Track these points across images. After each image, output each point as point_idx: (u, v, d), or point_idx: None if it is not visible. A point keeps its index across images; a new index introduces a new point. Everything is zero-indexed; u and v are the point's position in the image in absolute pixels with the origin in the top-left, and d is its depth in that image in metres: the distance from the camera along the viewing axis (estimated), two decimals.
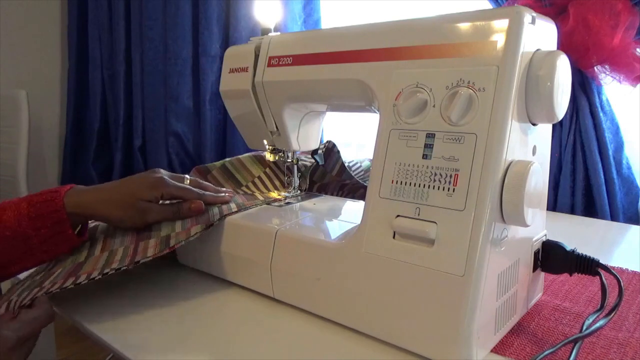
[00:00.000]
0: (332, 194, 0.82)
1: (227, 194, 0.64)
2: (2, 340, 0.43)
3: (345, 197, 0.80)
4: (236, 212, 0.60)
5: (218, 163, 0.85)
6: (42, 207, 0.52)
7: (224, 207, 0.61)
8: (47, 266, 0.57)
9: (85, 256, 0.55)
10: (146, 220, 0.57)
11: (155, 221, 0.57)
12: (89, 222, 0.60)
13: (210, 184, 0.66)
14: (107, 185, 0.58)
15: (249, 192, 0.77)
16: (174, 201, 0.59)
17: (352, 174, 0.80)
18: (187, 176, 0.63)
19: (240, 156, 0.83)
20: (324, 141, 0.80)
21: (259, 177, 0.81)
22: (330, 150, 0.80)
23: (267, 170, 0.81)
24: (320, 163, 0.81)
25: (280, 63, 0.58)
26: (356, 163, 0.88)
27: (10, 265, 0.53)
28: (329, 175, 0.81)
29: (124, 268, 0.52)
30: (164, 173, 0.59)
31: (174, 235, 0.56)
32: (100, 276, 0.50)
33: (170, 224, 0.58)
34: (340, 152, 0.80)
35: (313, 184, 0.82)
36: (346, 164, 0.83)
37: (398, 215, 0.43)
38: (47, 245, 0.53)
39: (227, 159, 0.84)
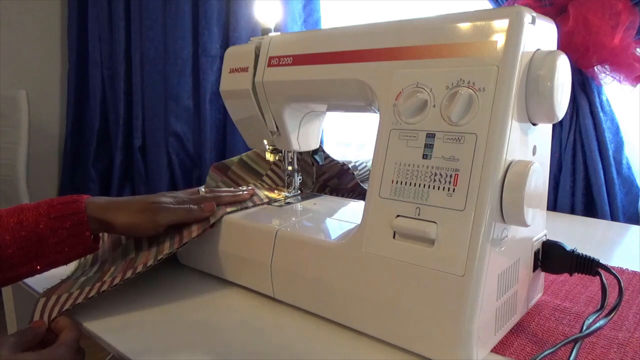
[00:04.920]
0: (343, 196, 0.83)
1: (246, 192, 0.66)
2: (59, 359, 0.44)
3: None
4: (236, 211, 0.61)
5: (235, 158, 0.85)
6: (63, 208, 0.53)
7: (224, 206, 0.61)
8: (96, 268, 0.59)
9: (135, 252, 0.59)
10: (157, 222, 0.57)
11: (166, 222, 0.58)
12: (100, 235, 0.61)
13: (226, 189, 0.68)
14: (121, 197, 0.60)
15: (269, 181, 0.78)
16: (186, 205, 0.60)
17: (357, 175, 0.81)
18: (201, 189, 0.65)
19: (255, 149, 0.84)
20: (341, 161, 0.82)
21: (275, 163, 0.82)
22: (344, 172, 0.82)
23: (279, 156, 0.83)
24: (320, 163, 0.81)
25: (280, 63, 0.58)
26: (362, 163, 0.88)
27: (20, 265, 0.53)
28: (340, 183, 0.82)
29: (174, 251, 0.55)
30: (168, 195, 0.61)
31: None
32: (154, 263, 0.54)
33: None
34: (355, 174, 0.81)
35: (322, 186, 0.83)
36: (352, 164, 0.84)
37: (398, 215, 0.43)
38: (62, 247, 0.53)
39: (244, 154, 0.84)
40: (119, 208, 0.57)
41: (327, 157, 0.82)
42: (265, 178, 0.81)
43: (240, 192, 0.65)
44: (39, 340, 0.48)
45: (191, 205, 0.59)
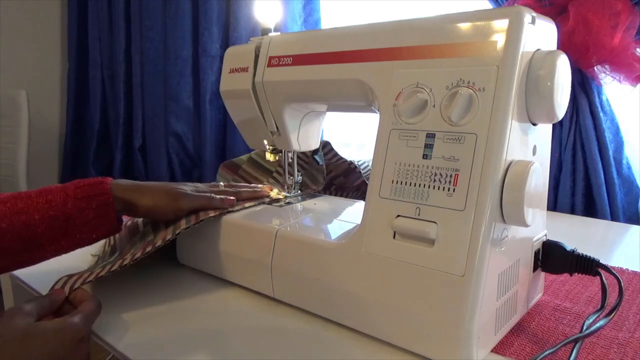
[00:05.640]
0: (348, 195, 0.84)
1: (264, 188, 0.68)
2: (75, 329, 0.43)
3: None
4: (235, 211, 0.61)
5: (244, 157, 0.86)
6: (89, 189, 0.55)
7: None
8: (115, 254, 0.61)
9: (153, 234, 0.60)
10: (179, 206, 0.58)
11: (188, 208, 0.59)
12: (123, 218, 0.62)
13: (245, 184, 0.70)
14: (145, 182, 0.61)
15: (279, 177, 0.81)
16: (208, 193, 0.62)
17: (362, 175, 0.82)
18: (221, 183, 0.67)
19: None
20: (349, 160, 0.83)
21: (280, 166, 0.84)
22: (352, 170, 0.83)
23: (279, 156, 0.84)
24: (320, 163, 0.81)
25: (280, 63, 0.58)
26: (364, 162, 0.88)
27: (48, 244, 0.54)
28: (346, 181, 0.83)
29: (190, 226, 0.56)
30: (190, 186, 0.63)
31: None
32: (173, 237, 0.55)
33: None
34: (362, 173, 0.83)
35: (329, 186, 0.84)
36: (355, 163, 0.84)
37: (398, 215, 0.43)
38: (88, 227, 0.55)
39: (253, 152, 0.86)
40: (142, 190, 0.58)
41: (335, 155, 0.83)
42: (275, 175, 0.83)
43: (259, 189, 0.68)
44: (55, 308, 0.48)
45: (212, 194, 0.61)
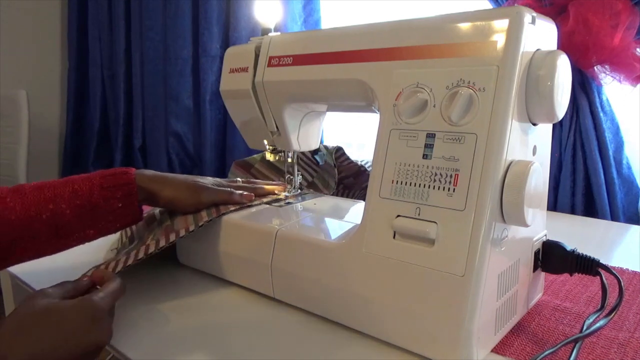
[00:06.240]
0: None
1: (278, 186, 0.70)
2: (95, 307, 0.43)
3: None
4: (235, 210, 0.61)
5: (257, 156, 0.87)
6: (114, 179, 0.56)
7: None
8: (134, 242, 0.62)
9: (170, 220, 0.61)
10: (200, 200, 0.60)
11: (208, 201, 0.60)
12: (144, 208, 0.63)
13: (261, 180, 0.72)
14: (167, 173, 0.63)
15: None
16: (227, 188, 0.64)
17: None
18: (239, 179, 0.69)
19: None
20: (360, 164, 0.86)
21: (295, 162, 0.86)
22: (362, 172, 0.85)
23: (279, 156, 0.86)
24: (320, 163, 0.81)
25: (281, 63, 0.58)
26: (367, 162, 0.89)
27: (74, 233, 0.55)
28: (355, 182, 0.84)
29: (214, 218, 0.58)
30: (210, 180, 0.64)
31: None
32: (196, 229, 0.56)
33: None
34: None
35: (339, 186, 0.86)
36: (360, 163, 0.85)
37: (398, 215, 0.43)
38: (113, 216, 0.56)
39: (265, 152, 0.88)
40: (165, 181, 0.60)
41: (347, 159, 0.85)
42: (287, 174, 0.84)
43: (275, 184, 0.70)
44: (80, 293, 0.47)
45: (232, 189, 0.63)
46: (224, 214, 0.58)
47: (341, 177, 0.85)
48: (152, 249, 0.54)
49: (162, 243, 0.55)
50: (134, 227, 0.66)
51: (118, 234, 0.69)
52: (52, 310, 0.41)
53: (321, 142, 0.73)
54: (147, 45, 1.67)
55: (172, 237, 0.55)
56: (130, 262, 0.53)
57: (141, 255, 0.54)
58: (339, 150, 0.86)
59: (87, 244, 0.58)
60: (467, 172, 0.40)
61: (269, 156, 0.69)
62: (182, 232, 0.56)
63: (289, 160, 0.69)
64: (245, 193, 0.63)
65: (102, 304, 0.43)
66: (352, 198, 0.85)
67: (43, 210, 0.52)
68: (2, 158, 1.67)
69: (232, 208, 0.60)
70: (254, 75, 0.61)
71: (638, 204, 0.92)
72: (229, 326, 0.50)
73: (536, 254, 0.49)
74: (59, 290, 0.46)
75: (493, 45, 0.41)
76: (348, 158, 0.85)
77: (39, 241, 0.53)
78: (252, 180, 0.71)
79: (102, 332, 0.43)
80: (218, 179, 0.66)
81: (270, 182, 0.71)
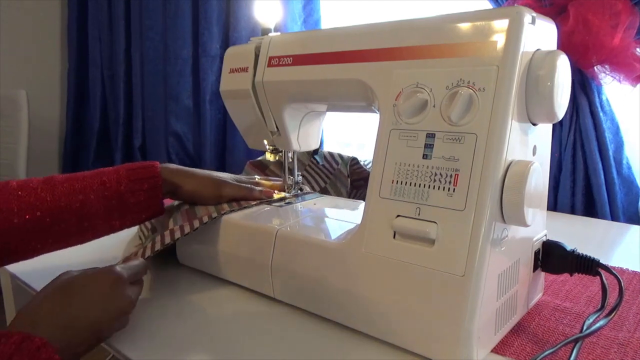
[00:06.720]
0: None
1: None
2: (114, 274, 0.46)
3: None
4: (235, 210, 0.61)
5: (271, 157, 0.88)
6: (140, 172, 0.58)
7: (225, 206, 0.62)
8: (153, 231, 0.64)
9: (190, 206, 0.63)
10: (221, 194, 0.62)
11: (229, 196, 0.62)
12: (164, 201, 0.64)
13: (276, 178, 0.74)
14: (190, 168, 0.65)
15: (308, 175, 0.85)
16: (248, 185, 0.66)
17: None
18: (256, 176, 0.71)
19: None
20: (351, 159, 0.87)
21: (309, 165, 0.89)
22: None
23: (312, 160, 0.89)
24: (320, 163, 0.81)
25: (280, 63, 0.58)
26: (369, 163, 0.89)
27: (101, 223, 0.57)
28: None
29: (234, 211, 0.60)
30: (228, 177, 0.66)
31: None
32: (219, 216, 0.58)
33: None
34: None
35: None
36: (361, 163, 0.86)
37: (398, 215, 0.43)
38: (139, 207, 0.58)
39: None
40: (188, 175, 0.62)
41: (361, 167, 0.88)
42: (306, 170, 0.88)
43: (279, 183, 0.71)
44: (141, 276, 0.51)
45: (253, 186, 0.65)
46: (244, 207, 0.61)
47: (352, 179, 0.87)
48: (177, 235, 0.56)
49: (187, 230, 0.57)
50: (153, 220, 0.68)
51: (135, 231, 0.72)
52: (75, 280, 0.45)
53: (321, 142, 0.73)
54: (147, 45, 1.67)
55: (196, 224, 0.57)
56: (157, 247, 0.55)
57: (167, 240, 0.56)
58: (353, 160, 0.88)
59: (89, 244, 0.59)
60: (467, 172, 0.40)
61: (269, 156, 0.69)
62: (206, 219, 0.58)
63: (289, 160, 0.69)
64: (264, 189, 0.65)
65: (122, 272, 0.47)
66: (359, 198, 0.87)
67: (73, 201, 0.54)
68: (2, 158, 1.67)
69: (253, 203, 0.62)
70: (254, 75, 0.61)
71: (638, 204, 0.92)
72: (229, 326, 0.50)
73: (536, 254, 0.49)
74: (129, 275, 0.48)
75: (493, 45, 0.41)
76: (362, 167, 0.88)
77: (69, 232, 0.55)
78: (269, 177, 0.73)
79: (124, 298, 0.46)
80: (237, 175, 0.67)
81: (277, 179, 0.73)
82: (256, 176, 0.73)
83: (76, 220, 0.55)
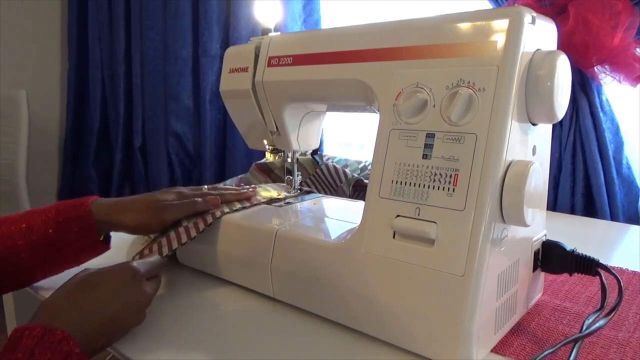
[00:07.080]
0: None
1: (250, 189, 0.68)
2: (131, 269, 0.47)
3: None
4: (235, 210, 0.61)
5: (278, 162, 0.87)
6: (69, 211, 0.55)
7: (225, 207, 0.62)
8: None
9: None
10: (164, 219, 0.59)
11: (172, 219, 0.60)
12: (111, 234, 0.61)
13: (231, 186, 0.69)
14: (126, 197, 0.61)
15: (306, 187, 0.83)
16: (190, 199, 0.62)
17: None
18: (205, 186, 0.67)
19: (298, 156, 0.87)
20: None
21: (313, 175, 0.88)
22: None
23: (318, 171, 0.87)
24: (320, 163, 0.81)
25: (280, 63, 0.58)
26: (367, 163, 0.89)
27: (34, 268, 0.54)
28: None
29: (244, 208, 0.62)
30: (176, 190, 0.63)
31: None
32: (222, 215, 0.59)
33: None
34: None
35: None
36: (362, 164, 0.86)
37: (398, 215, 0.43)
38: (73, 249, 0.55)
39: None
40: (125, 209, 0.58)
41: (363, 185, 0.87)
42: (312, 177, 0.88)
43: (245, 190, 0.67)
44: (157, 272, 0.52)
45: (195, 198, 0.61)
46: (249, 206, 0.62)
47: (355, 185, 0.87)
48: (193, 233, 0.57)
49: (201, 226, 0.58)
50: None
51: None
52: (93, 276, 0.46)
53: (321, 142, 0.73)
54: (147, 45, 1.67)
55: (209, 219, 0.58)
56: (174, 245, 0.56)
57: (184, 238, 0.56)
58: (358, 181, 0.87)
59: None
60: (466, 172, 0.40)
61: (269, 156, 0.69)
62: (218, 213, 0.59)
63: (289, 160, 0.69)
64: (208, 198, 0.61)
65: (139, 267, 0.47)
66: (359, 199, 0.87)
67: (1, 247, 0.51)
68: (2, 158, 1.67)
69: (256, 203, 0.63)
70: (254, 75, 0.61)
71: (638, 204, 0.92)
72: (229, 326, 0.50)
73: (536, 254, 0.49)
74: (145, 272, 0.49)
75: (493, 45, 0.41)
76: (365, 185, 0.87)
77: (5, 277, 0.53)
78: (217, 186, 0.68)
79: (140, 292, 0.46)
80: (183, 189, 0.63)
81: (238, 189, 0.68)
82: (205, 186, 0.68)
83: (9, 266, 0.52)
